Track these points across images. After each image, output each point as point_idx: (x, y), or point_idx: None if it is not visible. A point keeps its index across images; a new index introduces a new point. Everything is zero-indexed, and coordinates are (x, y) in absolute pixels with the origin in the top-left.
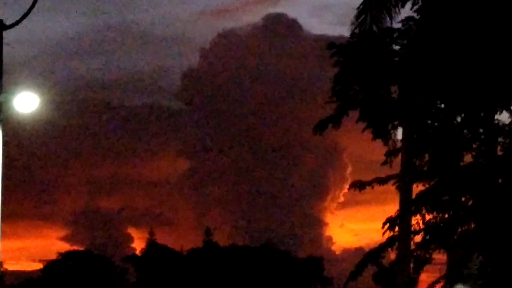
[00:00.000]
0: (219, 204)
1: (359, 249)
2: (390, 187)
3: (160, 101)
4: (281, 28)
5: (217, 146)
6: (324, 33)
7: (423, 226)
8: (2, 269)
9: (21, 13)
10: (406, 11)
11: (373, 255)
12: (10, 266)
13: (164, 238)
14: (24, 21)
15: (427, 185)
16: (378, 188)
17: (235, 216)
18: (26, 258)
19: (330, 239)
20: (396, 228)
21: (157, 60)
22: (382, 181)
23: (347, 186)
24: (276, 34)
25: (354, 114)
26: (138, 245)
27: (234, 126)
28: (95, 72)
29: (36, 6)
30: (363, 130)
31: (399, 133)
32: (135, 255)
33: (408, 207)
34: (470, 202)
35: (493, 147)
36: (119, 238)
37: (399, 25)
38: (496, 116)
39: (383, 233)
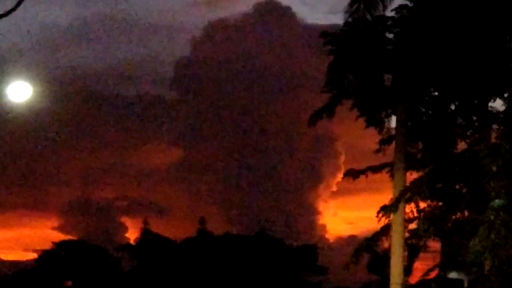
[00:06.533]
0: (213, 193)
1: (352, 237)
2: (384, 175)
3: (153, 91)
4: (274, 16)
5: (210, 135)
6: (317, 21)
7: (417, 214)
8: None
9: (13, 3)
10: None
11: (368, 243)
12: (4, 256)
13: (158, 227)
14: (16, 11)
15: (421, 173)
16: (371, 176)
17: (228, 204)
18: (20, 248)
19: (323, 227)
20: (390, 216)
21: (149, 50)
22: (376, 169)
23: (340, 175)
24: (269, 23)
25: (347, 102)
26: (132, 234)
27: (227, 115)
28: (88, 62)
29: None
30: (356, 118)
31: (393, 121)
32: (129, 244)
33: (402, 195)
34: (464, 190)
35: (487, 135)
36: (113, 228)
37: (393, 13)
38: (490, 104)
39: (378, 221)
